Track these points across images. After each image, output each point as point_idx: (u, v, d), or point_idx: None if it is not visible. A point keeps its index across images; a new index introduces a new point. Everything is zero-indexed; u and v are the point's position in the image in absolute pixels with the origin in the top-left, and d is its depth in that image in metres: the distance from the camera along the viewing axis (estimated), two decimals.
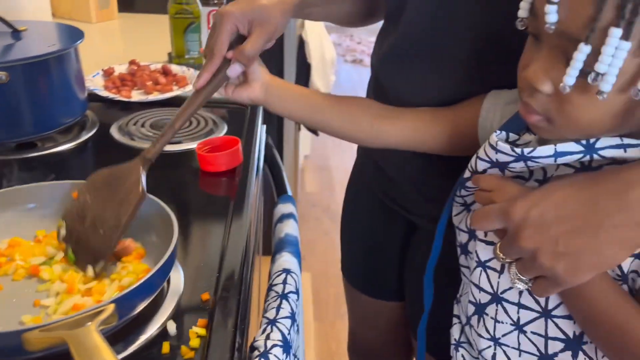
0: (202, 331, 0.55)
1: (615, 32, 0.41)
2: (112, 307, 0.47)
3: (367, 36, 4.84)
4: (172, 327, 0.55)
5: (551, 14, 0.44)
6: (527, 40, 0.51)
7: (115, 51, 1.44)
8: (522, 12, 0.50)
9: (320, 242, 2.33)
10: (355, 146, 0.93)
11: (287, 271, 0.73)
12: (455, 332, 0.67)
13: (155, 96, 1.07)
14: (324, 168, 2.97)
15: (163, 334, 0.55)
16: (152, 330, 0.55)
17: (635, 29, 0.41)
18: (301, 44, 1.96)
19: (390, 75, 0.74)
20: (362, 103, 0.72)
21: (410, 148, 0.69)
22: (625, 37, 0.41)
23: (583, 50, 0.43)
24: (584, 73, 0.44)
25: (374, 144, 0.71)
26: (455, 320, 0.68)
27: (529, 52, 0.50)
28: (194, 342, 0.54)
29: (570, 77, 0.44)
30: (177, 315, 0.57)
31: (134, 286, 0.51)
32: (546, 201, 0.48)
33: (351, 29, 5.27)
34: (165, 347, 0.53)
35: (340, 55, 4.64)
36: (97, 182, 0.64)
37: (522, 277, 0.51)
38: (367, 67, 3.33)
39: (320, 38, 2.10)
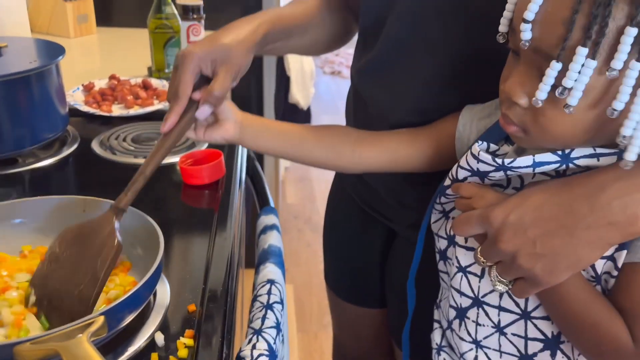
0: (189, 342, 0.56)
1: (582, 51, 0.44)
2: (102, 319, 0.48)
3: (345, 48, 4.89)
4: (160, 339, 0.56)
5: (526, 32, 0.47)
6: (508, 55, 0.54)
7: (94, 66, 1.44)
8: (502, 27, 0.53)
9: (302, 254, 2.34)
10: None
11: (272, 282, 0.74)
12: (436, 336, 0.69)
13: (136, 110, 1.08)
14: (304, 179, 2.99)
15: (151, 345, 0.56)
16: (140, 342, 0.56)
17: (601, 48, 0.44)
18: (280, 58, 1.98)
19: (369, 88, 0.76)
20: (340, 131, 0.72)
21: (392, 170, 0.70)
22: (592, 55, 0.44)
23: (554, 67, 0.45)
24: (555, 88, 0.46)
25: (356, 170, 0.72)
26: (435, 325, 0.69)
27: (509, 66, 0.53)
28: (182, 353, 0.54)
29: (542, 92, 0.47)
30: (165, 326, 0.58)
31: (122, 298, 0.52)
32: (524, 206, 0.50)
33: None
34: (154, 358, 0.54)
35: (318, 67, 4.68)
36: (67, 239, 0.61)
37: (502, 279, 0.53)
38: (346, 79, 3.37)
39: None
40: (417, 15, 0.66)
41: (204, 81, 0.64)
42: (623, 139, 0.46)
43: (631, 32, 0.43)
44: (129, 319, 0.55)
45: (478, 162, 0.54)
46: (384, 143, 0.69)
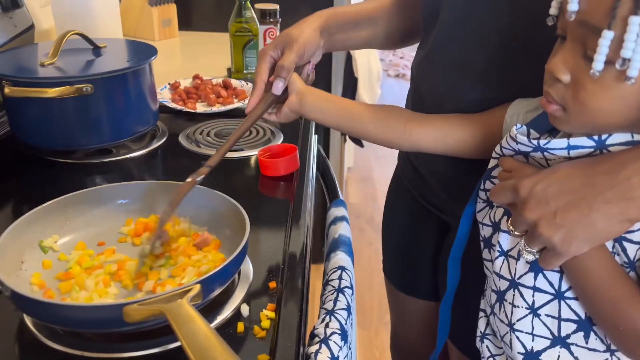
0: (271, 314, 0.61)
1: (636, 20, 0.46)
2: (198, 287, 0.54)
3: (409, 51, 4.89)
4: (245, 310, 0.62)
5: (572, 3, 0.49)
6: (555, 43, 0.56)
7: (176, 67, 1.54)
8: (553, 9, 0.55)
9: (364, 252, 2.38)
10: (397, 157, 0.98)
11: (342, 268, 0.78)
12: (481, 325, 0.71)
13: (218, 108, 1.16)
14: (367, 179, 3.02)
15: (237, 315, 0.62)
16: (227, 312, 0.62)
17: None
18: (349, 59, 2.03)
19: (426, 80, 0.80)
20: (395, 109, 0.76)
21: (440, 151, 0.73)
22: None
23: (607, 36, 0.47)
24: (606, 62, 0.48)
25: (405, 146, 0.75)
26: (481, 314, 0.71)
27: (554, 50, 0.55)
28: (265, 324, 0.60)
29: (598, 63, 0.48)
30: (249, 300, 0.64)
31: (215, 271, 0.58)
32: (549, 178, 0.53)
33: None
34: (240, 327, 0.60)
35: (383, 70, 4.69)
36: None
37: (530, 249, 0.56)
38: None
39: (367, 53, 2.16)
40: (467, 5, 0.69)
41: None
42: None
43: None
44: (219, 290, 0.61)
45: (517, 144, 0.57)
46: (435, 123, 0.73)
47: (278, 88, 0.75)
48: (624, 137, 0.52)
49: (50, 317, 0.56)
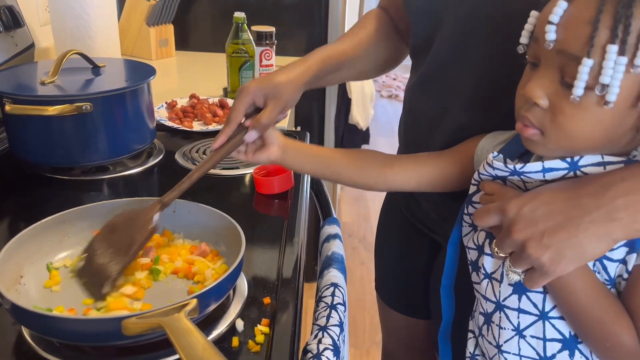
0: (265, 329, 0.62)
1: (613, 48, 0.48)
2: (195, 301, 0.55)
3: (402, 72, 4.96)
4: (240, 325, 0.63)
5: (550, 33, 0.52)
6: (525, 69, 0.59)
7: (173, 86, 1.57)
8: (524, 39, 0.58)
9: (356, 271, 2.39)
10: None
11: (335, 285, 0.80)
12: (470, 346, 0.72)
13: (214, 127, 1.18)
14: (359, 199, 3.04)
15: (232, 330, 0.63)
16: (222, 327, 0.63)
17: (628, 46, 0.48)
18: None
19: (419, 105, 0.82)
20: (369, 155, 0.79)
21: (415, 190, 0.77)
22: (622, 53, 0.48)
23: (587, 64, 0.50)
24: (585, 87, 0.51)
25: (382, 189, 0.79)
26: (470, 335, 0.73)
27: (526, 76, 0.58)
28: (259, 338, 0.61)
29: (578, 89, 0.51)
30: (243, 315, 0.65)
31: (210, 286, 0.59)
32: (536, 200, 0.55)
33: None
34: (235, 342, 0.61)
35: (376, 91, 4.75)
36: (117, 221, 0.73)
37: (515, 269, 0.57)
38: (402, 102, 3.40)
39: None
40: (460, 37, 0.72)
41: (257, 112, 0.75)
42: None
43: None
44: (215, 305, 0.62)
45: (494, 170, 0.60)
46: (407, 166, 0.76)
47: (251, 137, 0.74)
48: (595, 158, 0.54)
49: (49, 330, 0.58)
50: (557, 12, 0.52)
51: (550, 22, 0.52)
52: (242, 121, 0.74)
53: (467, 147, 0.72)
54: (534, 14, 0.57)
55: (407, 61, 0.95)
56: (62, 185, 0.97)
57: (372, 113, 2.49)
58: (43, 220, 0.71)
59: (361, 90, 2.17)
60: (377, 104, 4.50)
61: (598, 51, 0.49)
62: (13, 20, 1.18)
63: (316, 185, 1.16)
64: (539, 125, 0.56)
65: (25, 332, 0.61)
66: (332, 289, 0.79)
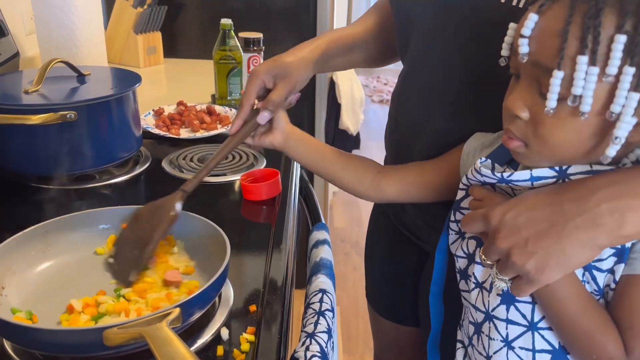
0: (251, 337, 0.62)
1: (583, 59, 0.48)
2: (177, 310, 0.54)
3: (393, 77, 4.98)
4: (225, 333, 0.62)
5: (523, 46, 0.52)
6: (510, 81, 0.58)
7: (161, 93, 1.56)
8: (504, 51, 0.58)
9: (349, 277, 2.38)
10: None
11: (323, 291, 0.79)
12: (459, 356, 0.71)
13: (202, 134, 1.17)
14: (352, 204, 3.04)
15: (217, 339, 0.62)
16: (207, 336, 0.62)
17: (598, 55, 0.48)
18: (332, 85, 2.07)
19: (402, 109, 0.82)
20: (366, 162, 0.80)
21: (407, 200, 0.77)
22: (592, 63, 0.48)
23: (557, 76, 0.49)
24: (560, 99, 0.50)
25: (374, 198, 0.79)
26: (458, 345, 0.72)
27: (510, 88, 0.58)
28: (245, 347, 0.60)
29: (551, 101, 0.51)
30: (229, 323, 0.65)
31: (194, 295, 0.59)
32: (519, 206, 0.54)
33: (377, 70, 5.41)
34: (220, 350, 0.60)
35: (367, 96, 4.77)
36: (142, 211, 0.76)
37: (501, 277, 0.56)
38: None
39: (350, 80, 2.20)
40: (434, 34, 0.72)
41: (268, 94, 0.76)
42: (615, 140, 0.49)
43: (621, 39, 0.47)
44: (199, 314, 0.61)
45: (482, 176, 0.59)
46: (399, 175, 0.76)
47: (264, 118, 0.75)
48: (583, 167, 0.54)
49: (30, 342, 0.57)
50: (529, 25, 0.52)
51: (522, 36, 0.52)
52: (254, 105, 0.76)
53: (453, 155, 0.72)
54: (512, 26, 0.57)
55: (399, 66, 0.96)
56: (47, 194, 0.96)
57: (362, 118, 2.49)
58: (25, 231, 0.70)
59: (351, 96, 2.18)
60: (369, 108, 4.51)
61: (568, 62, 0.49)
62: None
63: (305, 190, 1.15)
64: (522, 137, 0.56)
65: (7, 345, 0.60)
66: (320, 295, 0.79)
